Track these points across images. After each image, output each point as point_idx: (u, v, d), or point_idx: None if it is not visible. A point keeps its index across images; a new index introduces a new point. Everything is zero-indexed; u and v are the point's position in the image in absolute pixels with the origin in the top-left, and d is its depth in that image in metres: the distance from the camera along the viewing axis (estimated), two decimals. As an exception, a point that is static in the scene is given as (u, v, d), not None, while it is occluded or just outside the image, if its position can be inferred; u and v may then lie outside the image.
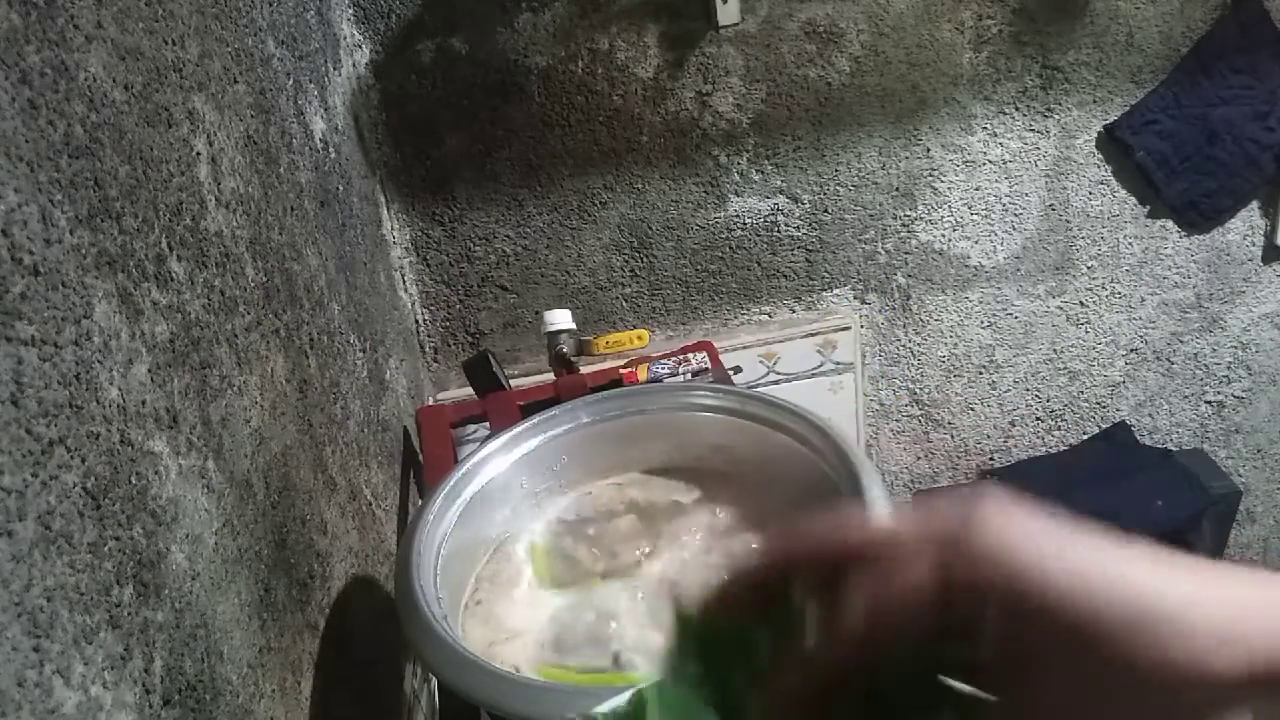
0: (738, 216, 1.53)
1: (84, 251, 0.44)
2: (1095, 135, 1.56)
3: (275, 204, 0.78)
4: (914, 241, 1.60)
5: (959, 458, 1.80)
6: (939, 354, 1.69)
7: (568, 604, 0.70)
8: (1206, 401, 1.81)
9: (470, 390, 1.23)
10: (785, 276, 1.59)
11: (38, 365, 0.38)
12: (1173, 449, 1.81)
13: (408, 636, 0.60)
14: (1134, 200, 1.62)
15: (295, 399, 0.75)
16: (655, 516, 0.78)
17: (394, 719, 0.89)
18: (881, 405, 1.72)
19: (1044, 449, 1.80)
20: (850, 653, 0.28)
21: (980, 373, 1.72)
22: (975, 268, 1.63)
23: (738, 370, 1.56)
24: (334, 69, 1.18)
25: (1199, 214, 1.62)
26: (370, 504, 0.95)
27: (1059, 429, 1.80)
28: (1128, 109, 1.53)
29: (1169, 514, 1.63)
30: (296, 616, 0.67)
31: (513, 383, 1.24)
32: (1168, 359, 1.76)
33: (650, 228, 1.52)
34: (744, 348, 1.57)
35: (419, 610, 0.61)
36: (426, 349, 1.57)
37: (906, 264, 1.61)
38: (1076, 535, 0.27)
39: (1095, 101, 1.54)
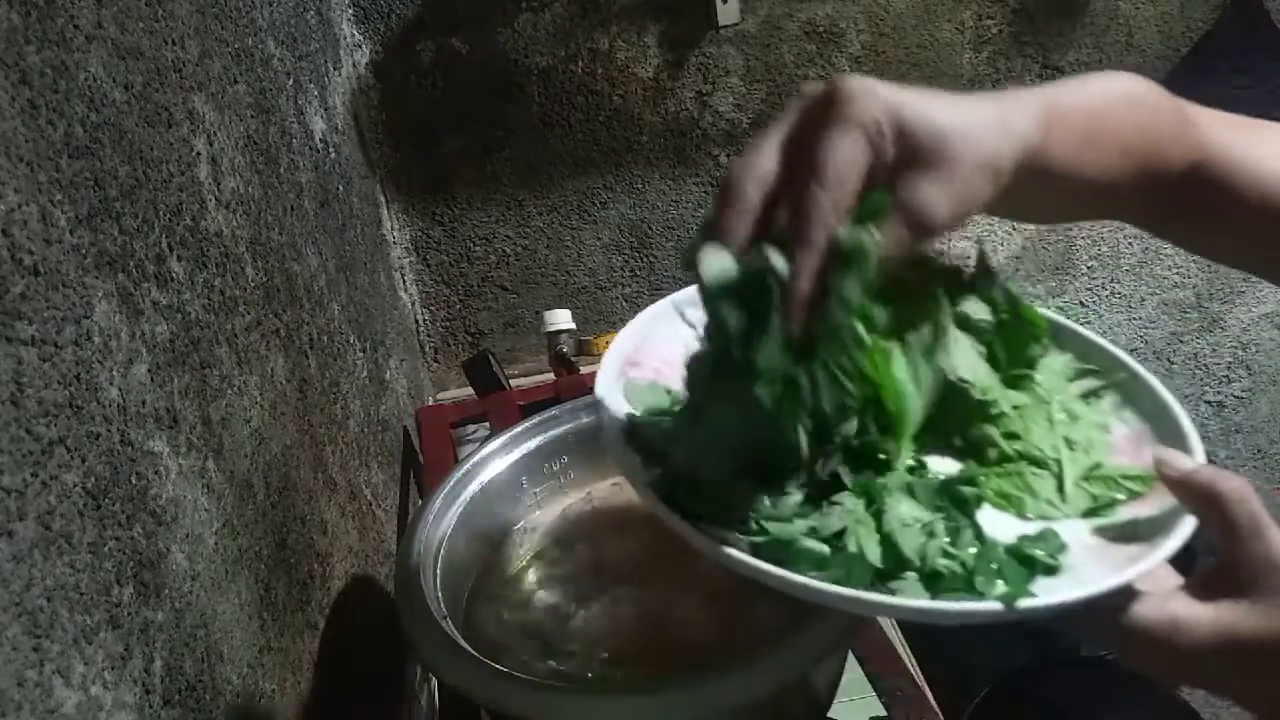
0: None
1: (84, 251, 0.44)
2: (1095, 135, 1.56)
3: (275, 204, 0.78)
4: (914, 241, 1.60)
5: (959, 458, 1.80)
6: (939, 354, 1.69)
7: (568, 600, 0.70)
8: (1206, 401, 1.81)
9: (470, 390, 1.23)
10: (785, 276, 1.59)
11: (38, 365, 0.38)
12: (1173, 449, 1.81)
13: (408, 636, 0.60)
14: (1134, 200, 1.62)
15: (295, 399, 0.75)
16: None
17: (394, 719, 0.89)
18: (881, 405, 1.72)
19: (1044, 449, 1.80)
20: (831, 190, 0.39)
21: (980, 373, 1.72)
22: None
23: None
24: (334, 69, 1.18)
25: (1199, 214, 1.62)
26: (370, 504, 0.95)
27: (1059, 429, 1.79)
28: (1128, 109, 1.53)
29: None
30: (296, 616, 0.67)
31: (513, 383, 1.24)
32: (1168, 359, 1.76)
33: (650, 228, 1.52)
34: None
35: (419, 610, 0.61)
36: (427, 349, 1.57)
37: (906, 264, 1.61)
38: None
39: (1095, 101, 1.54)
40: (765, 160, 0.41)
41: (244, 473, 0.61)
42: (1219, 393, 1.80)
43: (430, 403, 1.48)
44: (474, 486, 0.76)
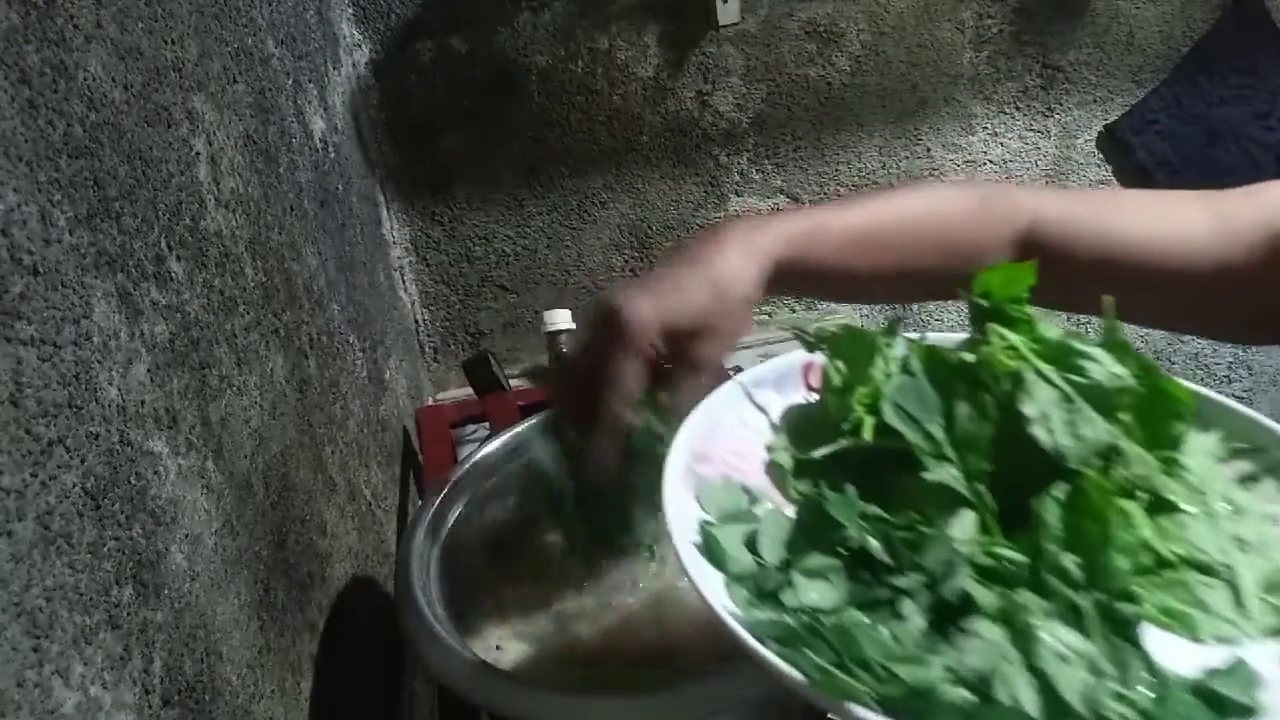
0: (738, 216, 1.53)
1: (83, 251, 0.44)
2: (1096, 135, 1.56)
3: (275, 204, 0.78)
4: (914, 241, 1.60)
5: (959, 458, 1.80)
6: (939, 354, 1.69)
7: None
8: (1206, 401, 1.81)
9: (470, 390, 1.23)
10: (785, 276, 1.58)
11: (37, 365, 0.38)
12: (1173, 449, 1.81)
13: (407, 637, 0.60)
14: (1134, 200, 1.62)
15: (295, 399, 0.75)
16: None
17: (394, 719, 0.89)
18: (881, 405, 1.72)
19: (1044, 449, 1.80)
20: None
21: (980, 373, 1.72)
22: (975, 267, 1.63)
23: (737, 370, 1.56)
24: (334, 68, 1.18)
25: (1199, 214, 1.62)
26: (370, 504, 0.95)
27: (1059, 429, 1.79)
28: (1128, 109, 1.53)
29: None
30: (296, 617, 0.67)
31: (512, 383, 1.24)
32: (1168, 359, 1.76)
33: (650, 228, 1.52)
34: (744, 347, 1.57)
35: (419, 611, 0.61)
36: (426, 349, 1.57)
37: (906, 264, 1.61)
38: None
39: (1096, 101, 1.54)
40: (567, 377, 0.57)
41: (243, 473, 0.61)
42: (1220, 393, 1.80)
43: (430, 403, 1.48)
44: (474, 487, 0.76)
